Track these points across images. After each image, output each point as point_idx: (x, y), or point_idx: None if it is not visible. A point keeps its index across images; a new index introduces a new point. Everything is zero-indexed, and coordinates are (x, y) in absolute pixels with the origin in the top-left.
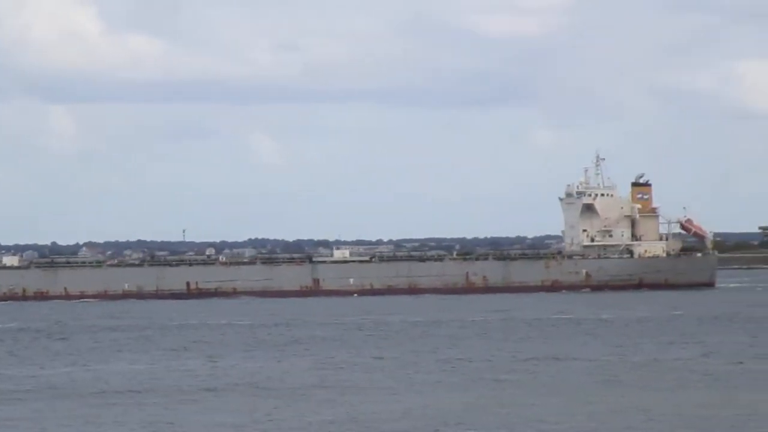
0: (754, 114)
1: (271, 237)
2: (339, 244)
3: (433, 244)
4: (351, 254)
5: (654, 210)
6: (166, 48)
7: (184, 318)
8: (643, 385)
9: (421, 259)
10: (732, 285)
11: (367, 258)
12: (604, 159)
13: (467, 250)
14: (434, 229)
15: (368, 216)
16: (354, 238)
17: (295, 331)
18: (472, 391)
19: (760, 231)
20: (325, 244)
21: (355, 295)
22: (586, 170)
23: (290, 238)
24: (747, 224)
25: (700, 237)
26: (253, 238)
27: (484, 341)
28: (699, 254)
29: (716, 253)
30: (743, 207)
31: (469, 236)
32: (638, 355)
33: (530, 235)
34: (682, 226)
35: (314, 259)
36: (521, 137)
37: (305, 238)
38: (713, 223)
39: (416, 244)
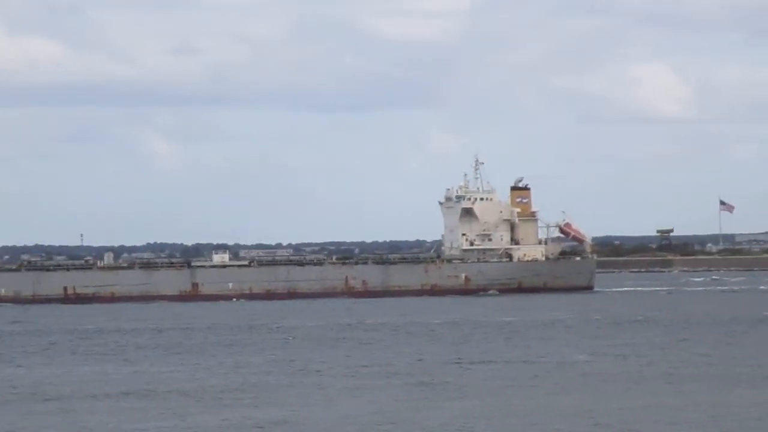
0: (651, 118)
1: (170, 241)
2: (238, 248)
3: (332, 248)
4: (231, 258)
5: (533, 214)
6: (63, 52)
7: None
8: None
9: (300, 264)
10: (615, 289)
11: (246, 262)
12: (483, 163)
13: (347, 254)
14: (335, 233)
15: (268, 220)
16: (254, 242)
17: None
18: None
19: (658, 234)
20: (224, 247)
21: (234, 299)
22: (466, 174)
23: (189, 242)
24: (645, 227)
25: (579, 241)
26: (152, 242)
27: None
28: (578, 258)
29: (595, 256)
30: (641, 210)
31: (369, 240)
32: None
33: (429, 239)
34: (561, 230)
35: (193, 264)
36: (421, 140)
37: (204, 242)
38: (613, 226)
39: (316, 248)
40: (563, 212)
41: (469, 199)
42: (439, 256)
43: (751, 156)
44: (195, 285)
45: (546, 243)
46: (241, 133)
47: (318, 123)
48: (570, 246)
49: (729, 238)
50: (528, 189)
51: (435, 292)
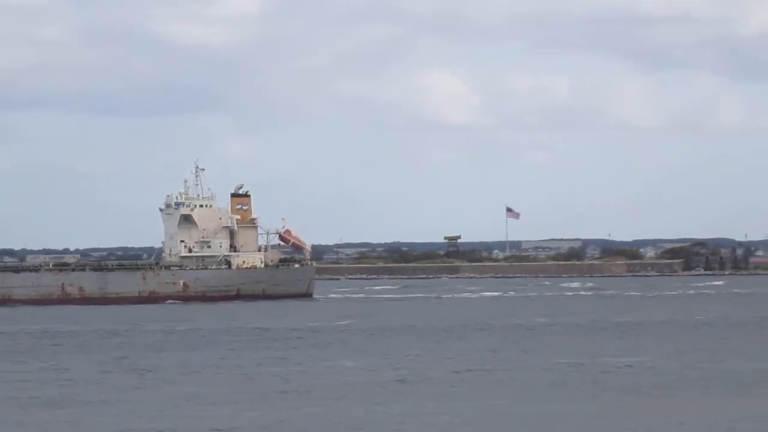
0: (439, 124)
1: None
2: (25, 253)
3: (120, 253)
4: None
5: (253, 221)
6: None
7: None
8: None
9: (16, 270)
10: (331, 296)
11: None
12: (203, 169)
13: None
14: (124, 239)
15: (57, 224)
16: (41, 247)
17: None
18: None
19: (446, 241)
20: (10, 253)
21: None
22: (186, 181)
23: None
24: (433, 234)
25: (298, 247)
26: None
27: None
28: (297, 265)
29: (314, 263)
30: (431, 217)
31: (158, 245)
32: None
33: None
34: (281, 237)
35: None
36: (211, 145)
37: None
38: (402, 233)
39: (104, 253)
40: (283, 219)
41: (188, 205)
42: (157, 263)
43: (538, 164)
44: None
45: (266, 250)
46: (31, 137)
47: (108, 127)
48: (291, 253)
49: (516, 244)
50: (248, 196)
51: (153, 298)
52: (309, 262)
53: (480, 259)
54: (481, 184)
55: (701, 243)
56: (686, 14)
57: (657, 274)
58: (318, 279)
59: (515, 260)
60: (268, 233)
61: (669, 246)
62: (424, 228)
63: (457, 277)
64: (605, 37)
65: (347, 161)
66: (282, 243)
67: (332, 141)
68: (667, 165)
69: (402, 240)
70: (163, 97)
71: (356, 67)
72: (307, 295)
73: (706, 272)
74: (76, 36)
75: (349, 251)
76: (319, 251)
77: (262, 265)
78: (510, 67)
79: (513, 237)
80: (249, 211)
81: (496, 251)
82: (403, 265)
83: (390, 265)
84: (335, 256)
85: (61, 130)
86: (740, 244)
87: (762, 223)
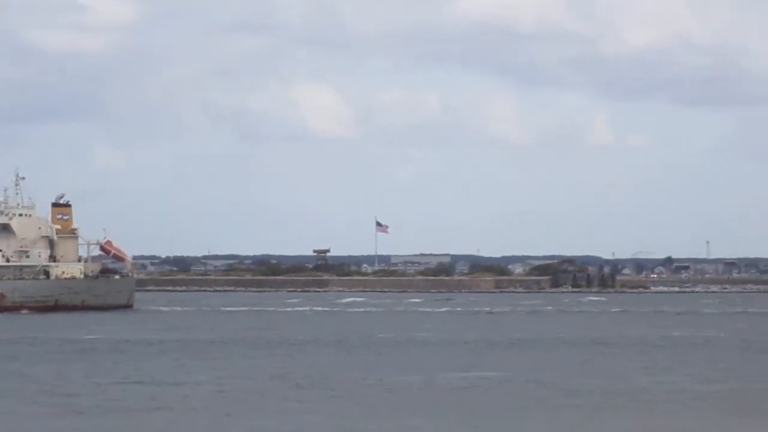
0: (309, 137)
1: None
2: None
3: None
4: None
5: (74, 231)
6: None
7: None
8: None
9: None
10: (154, 308)
11: None
12: (24, 178)
13: None
14: None
15: None
16: None
17: None
18: None
19: (314, 254)
20: None
21: None
22: (6, 189)
23: None
24: (303, 247)
25: (119, 258)
26: None
27: None
28: (117, 276)
29: (134, 275)
30: (300, 230)
31: None
32: None
33: None
34: (102, 248)
35: None
36: (84, 153)
37: None
38: (278, 246)
39: None
40: (104, 230)
41: (7, 214)
42: None
43: (407, 178)
44: None
45: (87, 261)
46: None
47: None
48: (113, 265)
49: (385, 259)
50: (69, 206)
51: None
52: (129, 274)
53: (349, 273)
54: (351, 197)
55: (569, 260)
56: (557, 32)
57: (525, 290)
58: (185, 291)
59: (384, 275)
60: (89, 244)
61: (537, 263)
62: (294, 241)
63: (326, 291)
64: (477, 53)
65: (217, 172)
66: (103, 253)
67: (203, 151)
68: (535, 182)
69: (271, 252)
70: (31, 104)
71: (228, 78)
72: (127, 307)
73: (573, 289)
74: None
75: (217, 263)
76: (187, 263)
77: (82, 276)
78: (381, 81)
79: (382, 251)
80: (70, 221)
81: (365, 265)
82: (272, 277)
83: (258, 277)
84: (203, 268)
85: None
86: (607, 261)
87: (628, 241)
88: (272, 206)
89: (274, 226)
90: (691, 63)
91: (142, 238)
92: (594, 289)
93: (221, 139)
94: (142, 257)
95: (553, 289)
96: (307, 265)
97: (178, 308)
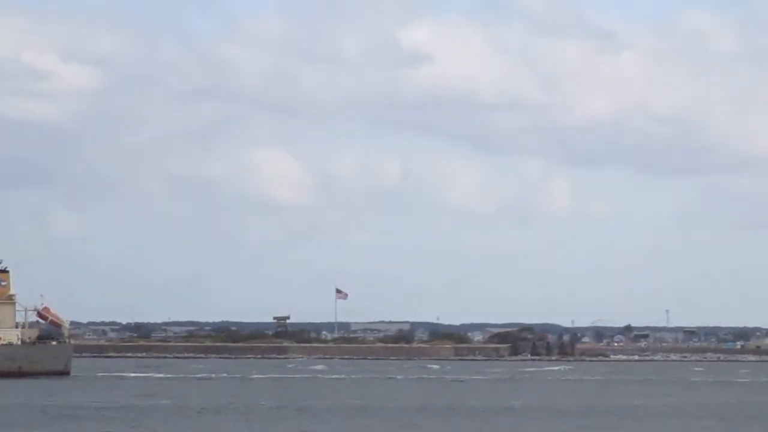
0: (269, 203)
1: None
2: None
3: None
4: None
5: (11, 297)
6: None
7: None
8: None
9: None
10: (95, 374)
11: None
12: None
13: None
14: None
15: None
16: None
17: None
18: None
19: (274, 321)
20: None
21: None
22: None
23: None
24: (262, 314)
25: (56, 325)
26: None
27: None
28: (54, 342)
29: (71, 341)
30: (259, 297)
31: None
32: None
33: None
34: (39, 314)
35: None
36: (42, 219)
37: None
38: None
39: None
40: (42, 296)
41: None
42: None
43: (366, 245)
44: None
45: (24, 327)
46: None
47: None
48: (49, 331)
49: (345, 326)
50: (7, 271)
51: None
52: (67, 340)
53: (308, 340)
54: (310, 264)
55: (528, 328)
56: (516, 101)
57: (484, 358)
58: (146, 357)
59: (343, 341)
60: (26, 310)
61: (496, 330)
62: (253, 307)
63: (285, 358)
64: (438, 121)
65: (176, 238)
66: (41, 320)
67: (160, 218)
68: (495, 249)
69: (231, 319)
70: None
71: (185, 144)
72: (64, 373)
73: (533, 357)
74: None
75: (177, 329)
76: (147, 329)
77: (19, 342)
78: (341, 148)
79: (342, 318)
80: (8, 287)
81: (324, 332)
82: (231, 344)
83: (218, 344)
84: (163, 334)
85: None
86: (567, 329)
87: (588, 309)
88: (232, 272)
89: (234, 293)
90: (651, 131)
91: (103, 305)
92: (554, 357)
93: (180, 204)
94: (103, 323)
95: (513, 357)
96: (266, 332)
97: (118, 374)
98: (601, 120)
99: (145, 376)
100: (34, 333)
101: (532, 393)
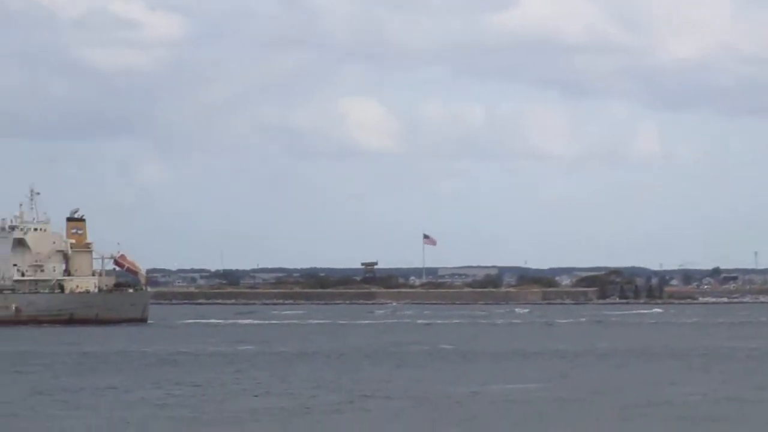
0: (357, 151)
1: None
2: None
3: None
4: None
5: (88, 245)
6: None
7: None
8: None
9: None
10: (173, 322)
11: None
12: (39, 193)
13: None
14: None
15: None
16: None
17: None
18: None
19: (362, 267)
20: None
21: None
22: (21, 204)
23: None
24: (351, 260)
25: (133, 273)
26: None
27: None
28: (131, 290)
29: (149, 288)
30: (348, 244)
31: None
32: None
33: None
34: (116, 262)
35: None
36: (132, 171)
37: None
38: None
39: None
40: (118, 243)
41: (22, 229)
42: None
43: (454, 192)
44: None
45: (101, 274)
46: None
47: (24, 150)
48: (126, 279)
49: (432, 271)
50: (83, 220)
51: None
52: (144, 287)
53: (396, 286)
54: (399, 210)
55: (616, 271)
56: (604, 43)
57: (572, 302)
58: (234, 304)
59: (431, 287)
60: (103, 258)
61: (584, 274)
62: (342, 253)
63: (373, 303)
64: (524, 66)
65: (266, 187)
66: (117, 267)
67: (250, 167)
68: (582, 194)
69: (319, 265)
70: (78, 120)
71: (274, 94)
72: (141, 320)
73: (621, 300)
74: None
75: (266, 276)
76: (236, 276)
77: (96, 290)
78: (428, 95)
79: (430, 264)
80: (84, 235)
81: (412, 278)
82: (320, 290)
83: (307, 290)
84: (252, 281)
85: None
86: (655, 273)
87: (676, 252)
88: (320, 219)
89: (322, 239)
90: (738, 72)
91: (192, 252)
92: (642, 301)
93: (269, 154)
94: (192, 270)
95: (601, 301)
96: (354, 277)
97: (198, 321)
98: (689, 61)
99: (231, 323)
100: (111, 280)
101: (627, 337)
